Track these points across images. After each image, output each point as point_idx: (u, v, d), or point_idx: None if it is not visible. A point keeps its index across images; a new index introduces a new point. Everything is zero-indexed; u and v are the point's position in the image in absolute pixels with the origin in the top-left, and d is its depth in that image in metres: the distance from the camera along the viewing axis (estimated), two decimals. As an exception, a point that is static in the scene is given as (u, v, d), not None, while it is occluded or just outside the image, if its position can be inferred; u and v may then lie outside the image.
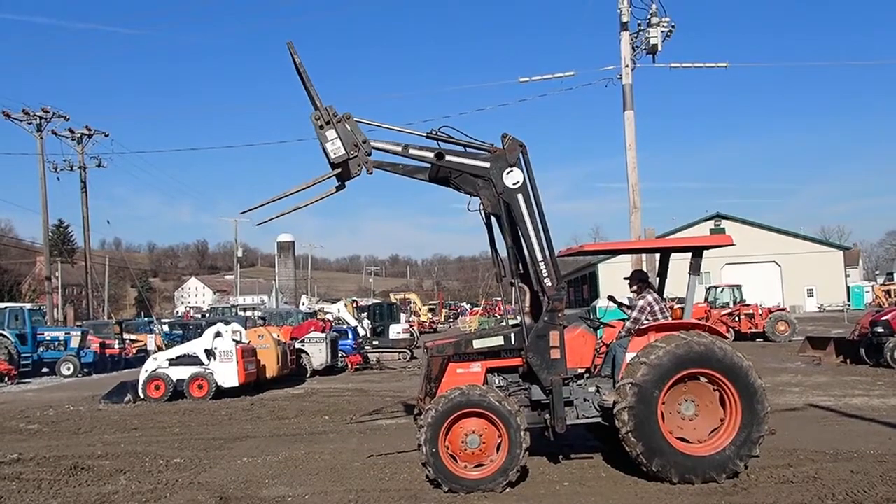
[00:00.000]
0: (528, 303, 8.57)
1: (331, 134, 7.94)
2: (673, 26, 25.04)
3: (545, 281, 8.04)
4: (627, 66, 25.05)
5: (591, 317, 9.29)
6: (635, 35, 25.40)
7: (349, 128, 7.99)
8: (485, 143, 8.21)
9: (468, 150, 8.22)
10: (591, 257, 62.61)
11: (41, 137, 39.38)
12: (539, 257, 8.06)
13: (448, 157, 8.05)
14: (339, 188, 8.45)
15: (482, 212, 8.34)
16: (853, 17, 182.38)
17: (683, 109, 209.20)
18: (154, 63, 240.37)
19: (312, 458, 9.75)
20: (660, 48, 25.00)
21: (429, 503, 7.24)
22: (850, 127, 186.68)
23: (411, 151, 8.08)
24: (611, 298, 10.06)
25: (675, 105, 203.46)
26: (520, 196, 8.06)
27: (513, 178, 8.05)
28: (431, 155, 8.04)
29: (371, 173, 8.12)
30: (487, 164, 8.06)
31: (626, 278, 9.26)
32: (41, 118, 39.32)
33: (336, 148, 7.93)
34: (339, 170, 8.10)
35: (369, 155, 8.02)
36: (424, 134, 8.20)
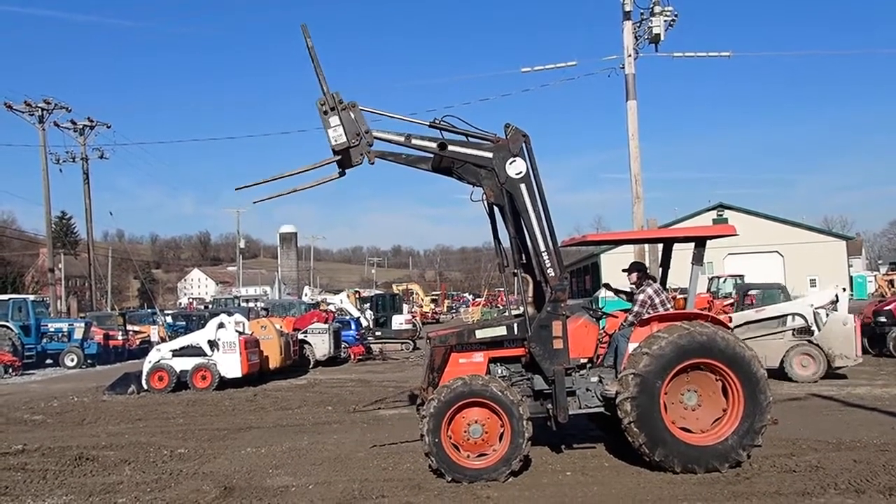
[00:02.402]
0: (530, 293, 8.57)
1: (334, 120, 7.92)
2: (676, 15, 24.86)
3: (548, 271, 8.04)
4: (630, 55, 24.91)
5: (594, 307, 9.29)
6: (638, 24, 25.23)
7: (353, 116, 7.97)
8: (487, 133, 8.18)
9: (471, 140, 8.20)
10: (593, 248, 62.48)
11: (43, 129, 39.33)
12: (542, 247, 8.04)
13: (451, 148, 8.03)
14: (340, 175, 8.45)
15: (485, 202, 8.33)
16: (856, 6, 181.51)
17: (686, 99, 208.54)
18: (155, 54, 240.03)
19: (316, 448, 9.79)
20: (662, 37, 24.81)
21: (431, 493, 7.26)
22: (854, 116, 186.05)
23: (414, 142, 8.06)
24: (606, 286, 10.06)
25: (678, 95, 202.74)
26: (523, 186, 8.04)
27: (516, 168, 8.02)
28: (434, 145, 8.02)
29: (373, 163, 8.10)
30: (490, 155, 8.04)
31: (624, 270, 9.26)
32: (43, 109, 39.24)
33: (338, 135, 7.91)
34: (340, 157, 8.10)
35: (371, 146, 8.01)
36: (427, 123, 8.18)
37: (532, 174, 8.07)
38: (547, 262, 8.07)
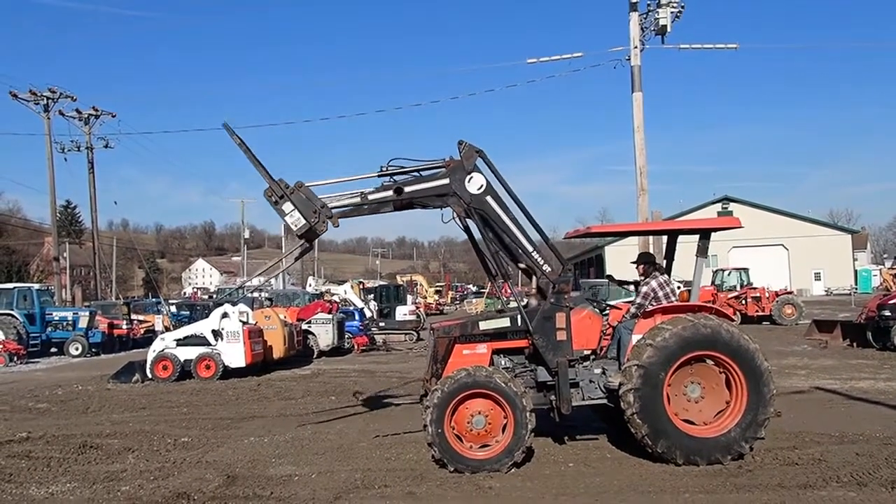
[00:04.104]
0: (534, 284, 8.57)
1: (287, 207, 8.09)
2: (682, 7, 24.82)
3: (544, 268, 8.10)
4: (636, 47, 24.84)
5: (598, 298, 9.28)
6: (644, 16, 25.18)
7: (304, 196, 8.11)
8: (436, 161, 8.26)
9: (423, 173, 8.29)
10: (597, 240, 62.52)
11: (48, 118, 39.38)
12: (529, 248, 8.14)
13: (407, 189, 8.17)
14: (306, 250, 8.75)
15: (457, 220, 8.39)
16: (864, 1, 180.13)
17: (692, 91, 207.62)
18: (161, 44, 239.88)
19: (319, 437, 9.80)
20: (669, 29, 24.79)
21: (434, 483, 7.27)
22: (860, 110, 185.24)
23: (370, 198, 8.20)
24: (609, 278, 10.05)
25: (684, 87, 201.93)
26: (489, 198, 8.15)
27: (475, 183, 8.12)
28: (391, 193, 8.16)
29: (337, 226, 8.29)
30: (447, 181, 8.14)
31: (633, 262, 9.24)
32: (48, 99, 39.29)
33: (296, 220, 8.08)
34: (305, 236, 8.30)
35: (330, 217, 8.15)
36: (376, 174, 8.28)
37: (497, 182, 8.17)
38: (539, 260, 8.12)
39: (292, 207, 8.04)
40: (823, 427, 9.28)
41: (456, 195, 8.11)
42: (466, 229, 8.65)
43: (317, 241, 8.41)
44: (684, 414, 7.76)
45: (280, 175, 8.13)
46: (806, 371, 15.15)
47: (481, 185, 8.11)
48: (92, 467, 8.44)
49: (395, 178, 8.26)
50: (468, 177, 8.10)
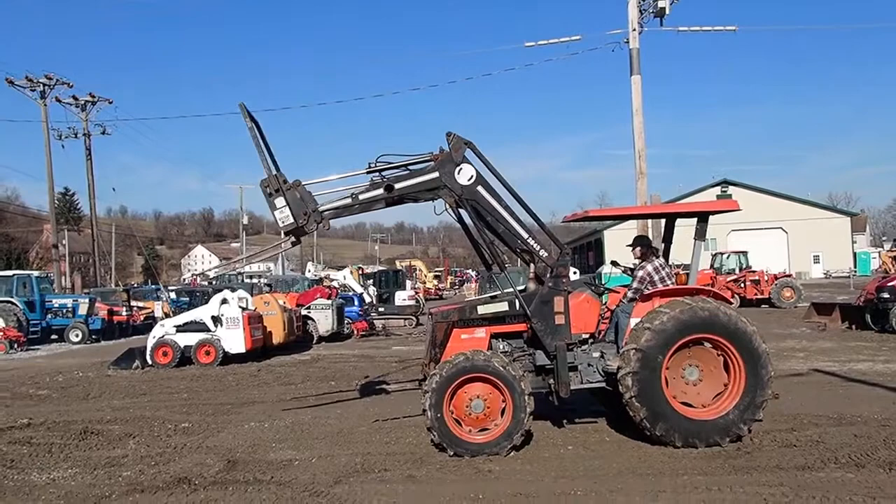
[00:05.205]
0: (532, 269, 8.58)
1: (279, 202, 8.02)
2: (681, -12, 24.60)
3: (541, 253, 8.09)
4: (635, 29, 24.68)
5: (596, 282, 9.28)
6: (643, -2, 25.00)
7: (299, 195, 8.06)
8: (424, 155, 8.24)
9: (411, 168, 8.27)
10: (597, 224, 62.48)
11: (45, 105, 39.15)
12: (524, 235, 8.13)
13: (397, 186, 8.14)
14: (294, 243, 8.74)
15: (449, 211, 8.39)
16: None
17: (691, 75, 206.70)
18: (158, 30, 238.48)
19: (318, 422, 9.84)
20: (668, 11, 24.61)
21: (434, 466, 7.31)
22: (860, 93, 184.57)
23: (361, 198, 8.18)
24: (614, 263, 10.05)
25: (683, 70, 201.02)
26: (480, 188, 8.13)
27: (465, 175, 8.10)
28: (381, 191, 8.14)
29: (328, 228, 8.36)
30: (436, 174, 8.12)
31: (628, 245, 9.23)
32: (45, 85, 39.03)
33: (285, 216, 8.03)
34: (292, 234, 8.28)
35: (319, 222, 8.13)
36: (365, 171, 8.28)
37: (488, 171, 8.16)
38: (535, 246, 8.12)
39: (284, 203, 8.00)
40: (821, 409, 9.31)
41: (447, 187, 8.09)
42: (460, 220, 8.65)
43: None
44: (682, 397, 7.78)
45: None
46: (804, 353, 15.19)
47: (471, 176, 8.09)
48: (93, 453, 8.47)
49: (384, 174, 8.25)
50: (458, 168, 8.08)
